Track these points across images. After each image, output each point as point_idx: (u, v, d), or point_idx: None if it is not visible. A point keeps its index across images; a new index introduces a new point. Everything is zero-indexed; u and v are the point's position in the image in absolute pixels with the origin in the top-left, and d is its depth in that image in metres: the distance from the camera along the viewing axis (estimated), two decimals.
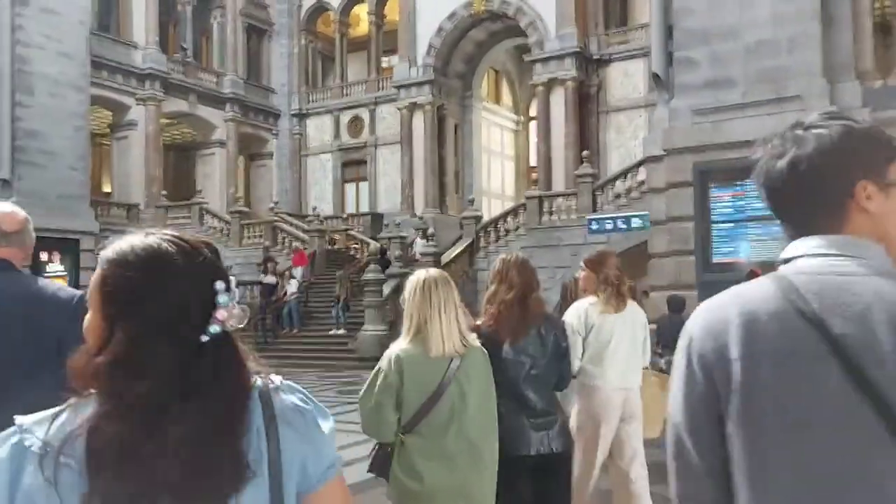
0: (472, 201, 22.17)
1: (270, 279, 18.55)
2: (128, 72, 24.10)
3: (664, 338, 8.90)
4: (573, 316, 3.93)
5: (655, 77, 13.39)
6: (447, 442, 2.55)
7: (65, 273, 20.92)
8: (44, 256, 20.47)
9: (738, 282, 1.33)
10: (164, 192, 24.50)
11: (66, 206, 21.00)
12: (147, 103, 24.55)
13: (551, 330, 3.12)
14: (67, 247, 21.12)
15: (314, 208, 25.34)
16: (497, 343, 3.00)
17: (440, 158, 25.75)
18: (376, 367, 2.66)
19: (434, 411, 2.56)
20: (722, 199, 12.42)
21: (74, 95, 21.72)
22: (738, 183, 12.23)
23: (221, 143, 27.38)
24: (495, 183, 28.61)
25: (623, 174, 18.61)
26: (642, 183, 17.64)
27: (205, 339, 0.95)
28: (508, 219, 20.11)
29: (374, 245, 19.48)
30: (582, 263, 4.18)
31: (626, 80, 24.04)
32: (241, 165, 29.19)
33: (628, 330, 4.02)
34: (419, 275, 2.73)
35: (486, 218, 21.22)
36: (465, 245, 19.97)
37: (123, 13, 24.65)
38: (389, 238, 19.83)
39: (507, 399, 2.98)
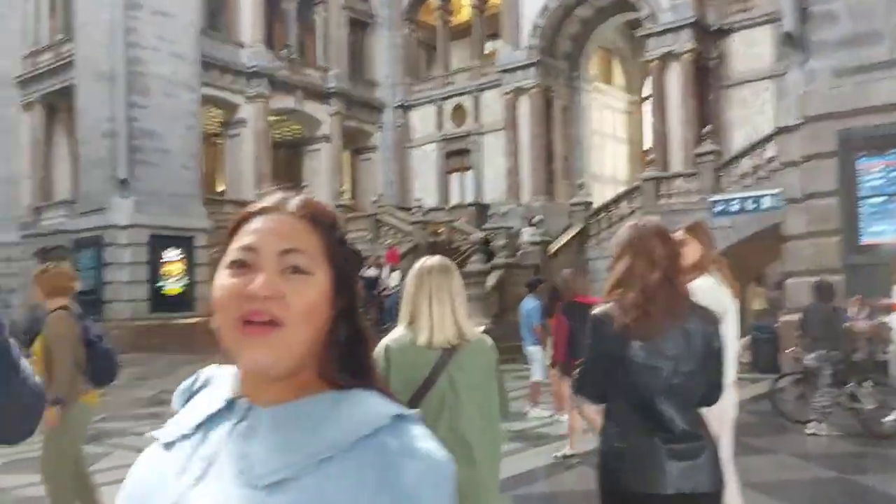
0: (581, 186, 21.07)
1: (372, 272, 18.24)
2: (236, 71, 24.53)
3: (812, 329, 7.69)
4: (707, 300, 3.01)
5: (787, 37, 11.97)
6: (436, 435, 1.92)
7: (181, 268, 21.62)
8: (160, 254, 21.23)
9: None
10: (273, 188, 24.73)
11: (179, 204, 21.56)
12: (255, 101, 24.92)
13: (700, 324, 2.25)
14: (183, 243, 21.82)
15: (417, 200, 24.95)
16: (624, 340, 2.18)
17: (547, 144, 24.75)
18: None
19: (423, 403, 2.41)
20: (871, 171, 10.84)
21: (187, 95, 22.28)
22: (892, 151, 10.67)
23: (326, 139, 27.49)
24: (607, 167, 27.25)
25: (750, 150, 17.01)
26: (772, 160, 16.10)
27: None
28: (622, 203, 18.90)
29: (476, 235, 18.80)
30: (682, 231, 3.22)
31: (748, 51, 22.12)
32: (346, 160, 29.26)
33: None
34: (418, 262, 2.64)
35: (596, 204, 20.08)
36: (574, 233, 18.97)
37: (231, 13, 25.10)
38: (494, 228, 19.11)
39: (635, 416, 2.16)
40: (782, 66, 21.45)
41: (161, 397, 10.76)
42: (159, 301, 20.71)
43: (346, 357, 0.85)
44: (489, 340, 2.63)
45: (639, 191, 18.64)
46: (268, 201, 0.87)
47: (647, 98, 26.41)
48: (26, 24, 24.94)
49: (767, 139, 16.32)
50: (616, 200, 19.50)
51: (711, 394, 2.28)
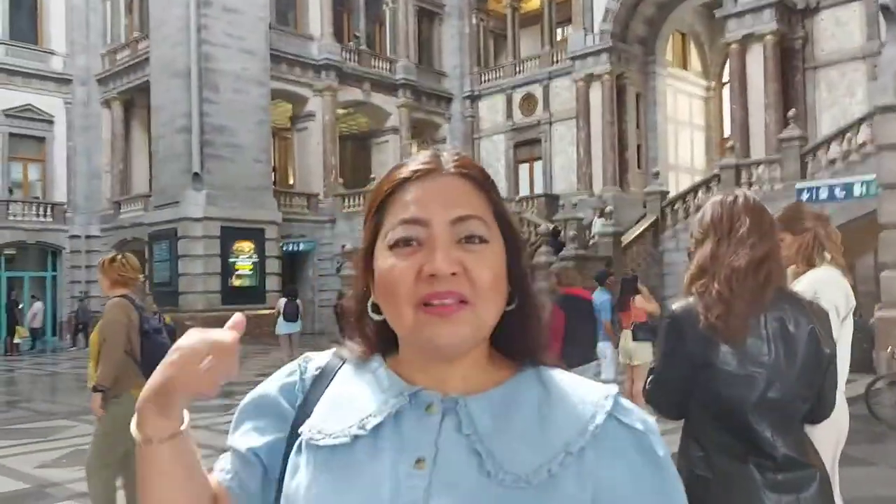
0: (656, 175, 20.26)
1: None
2: (305, 64, 24.64)
3: None
4: (835, 294, 2.53)
5: (884, 9, 11.07)
6: None
7: (252, 262, 21.89)
8: (232, 246, 21.55)
9: None
10: (340, 181, 24.86)
11: (251, 198, 21.83)
12: (323, 94, 24.99)
13: (805, 323, 1.78)
14: (254, 235, 22.09)
15: None
16: (709, 342, 1.76)
17: (620, 132, 23.95)
18: None
19: None
20: None
21: (256, 90, 22.51)
22: None
23: (395, 130, 27.39)
24: (683, 156, 26.18)
25: (840, 134, 15.91)
26: (864, 145, 15.03)
27: None
28: (699, 192, 18.03)
29: (544, 226, 18.30)
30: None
31: (838, 30, 20.82)
32: (415, 152, 29.02)
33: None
34: None
35: (672, 194, 19.25)
36: (648, 223, 18.23)
37: (301, 6, 25.22)
38: (565, 220, 18.54)
39: (724, 437, 1.76)
40: (875, 46, 20.19)
41: (225, 388, 10.74)
42: (231, 293, 21.02)
43: (520, 330, 0.78)
44: None
45: (717, 179, 17.73)
46: (419, 162, 0.76)
47: (725, 83, 25.26)
48: (105, 22, 25.74)
49: (860, 121, 15.23)
50: (692, 190, 18.61)
51: (820, 409, 1.84)
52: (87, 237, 25.07)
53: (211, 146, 21.06)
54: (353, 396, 0.77)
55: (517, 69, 27.84)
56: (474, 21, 28.81)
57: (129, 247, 24.16)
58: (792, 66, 21.10)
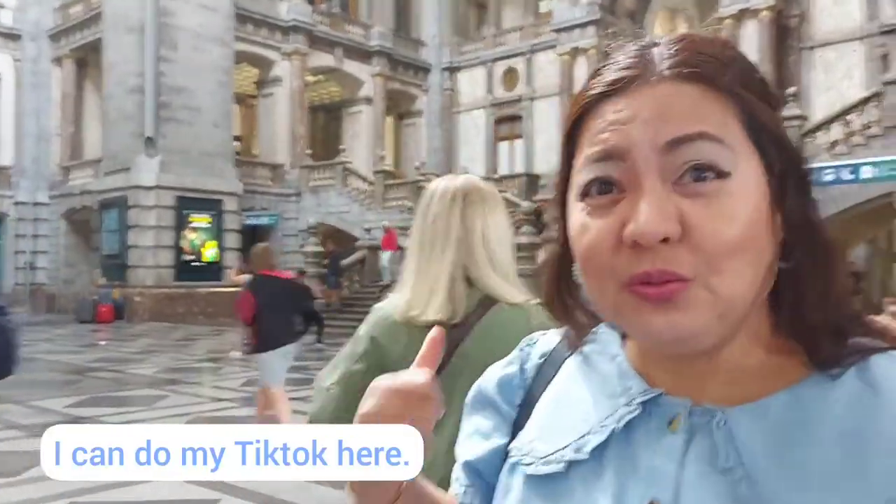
0: None
1: None
2: (273, 25, 23.09)
3: None
4: None
5: None
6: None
7: (207, 235, 20.43)
8: (188, 218, 20.06)
9: None
10: (308, 152, 23.40)
11: (210, 166, 20.28)
12: (292, 58, 23.45)
13: None
14: (212, 207, 20.60)
15: (464, 169, 23.25)
16: None
17: None
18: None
19: None
20: None
21: (218, 50, 20.89)
22: None
23: (368, 100, 25.91)
24: None
25: (842, 115, 14.84)
26: (869, 126, 14.00)
27: None
28: None
29: (526, 205, 17.08)
30: None
31: (836, 8, 19.79)
32: (389, 125, 27.69)
33: None
34: (436, 183, 1.53)
35: None
36: None
37: None
38: (546, 200, 17.40)
39: None
40: (875, 26, 19.24)
41: (167, 377, 9.45)
42: (185, 268, 19.59)
43: (812, 300, 0.50)
44: (540, 313, 1.25)
45: None
46: (619, 67, 0.50)
47: None
48: None
49: (866, 100, 14.18)
50: None
51: None
52: (35, 204, 23.44)
53: (167, 108, 19.50)
54: (577, 400, 0.57)
55: (499, 41, 26.62)
56: None
57: (79, 216, 22.59)
58: (786, 46, 20.10)
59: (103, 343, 14.44)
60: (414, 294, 1.44)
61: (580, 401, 0.57)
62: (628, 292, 0.47)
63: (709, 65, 0.48)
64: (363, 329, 1.48)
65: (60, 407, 7.26)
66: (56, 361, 10.96)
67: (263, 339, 5.70)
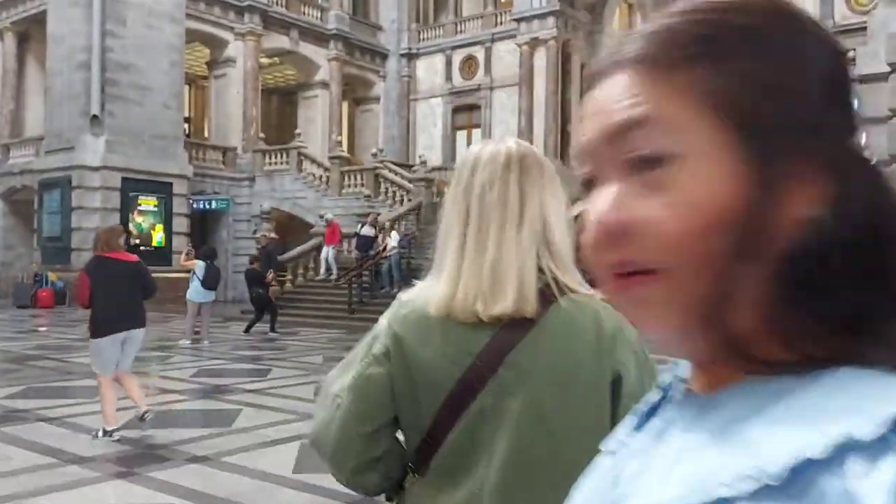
0: None
1: (368, 231, 16.37)
2: (226, 4, 22.41)
3: None
4: None
5: None
6: (471, 497, 1.11)
7: (156, 219, 19.78)
8: (135, 200, 19.37)
9: None
10: (262, 136, 22.84)
11: (158, 147, 19.60)
12: (246, 38, 22.81)
13: None
14: (160, 189, 19.93)
15: (421, 157, 23.02)
16: None
17: (563, 102, 22.85)
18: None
19: (456, 432, 1.13)
20: None
21: (170, 27, 20.16)
22: None
23: (325, 85, 25.41)
24: None
25: None
26: None
27: None
28: None
29: None
30: None
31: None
32: (345, 111, 27.23)
33: None
34: (481, 146, 1.21)
35: None
36: None
37: None
38: None
39: None
40: (855, 16, 19.30)
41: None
42: (132, 252, 18.85)
43: (830, 296, 0.40)
44: (612, 314, 1.13)
45: None
46: (598, 61, 0.48)
47: None
48: None
49: None
50: None
51: None
52: None
53: (114, 86, 18.76)
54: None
55: (458, 28, 26.39)
56: None
57: (19, 196, 21.62)
58: None
59: (43, 329, 13.85)
60: (466, 282, 1.15)
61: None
62: (611, 288, 0.46)
63: (652, 44, 0.43)
64: (383, 323, 1.23)
65: None
66: None
67: (96, 325, 5.48)
